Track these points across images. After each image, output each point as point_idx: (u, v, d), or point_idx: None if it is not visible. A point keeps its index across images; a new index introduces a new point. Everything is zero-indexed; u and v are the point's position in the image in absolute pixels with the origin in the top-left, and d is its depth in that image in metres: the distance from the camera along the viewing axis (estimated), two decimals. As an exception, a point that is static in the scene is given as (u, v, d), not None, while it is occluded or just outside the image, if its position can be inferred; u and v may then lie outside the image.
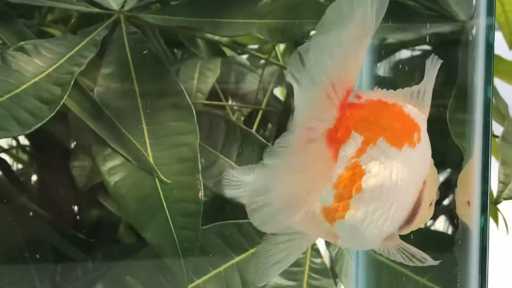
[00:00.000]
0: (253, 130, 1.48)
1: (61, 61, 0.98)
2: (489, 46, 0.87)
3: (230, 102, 1.58)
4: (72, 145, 1.39)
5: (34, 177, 1.45)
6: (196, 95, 1.40)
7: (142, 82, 1.00)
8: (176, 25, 1.09)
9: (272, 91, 1.53)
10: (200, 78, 1.42)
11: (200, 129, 0.97)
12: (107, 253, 1.25)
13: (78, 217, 1.41)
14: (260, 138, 1.04)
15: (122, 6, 1.09)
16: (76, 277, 1.16)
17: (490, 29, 0.87)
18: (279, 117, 1.40)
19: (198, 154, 0.93)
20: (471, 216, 0.82)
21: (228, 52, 1.59)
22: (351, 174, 0.53)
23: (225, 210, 1.11)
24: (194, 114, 0.96)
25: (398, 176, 0.53)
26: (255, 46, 1.60)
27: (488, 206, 0.81)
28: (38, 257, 1.21)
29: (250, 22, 1.01)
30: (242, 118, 1.53)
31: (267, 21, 1.01)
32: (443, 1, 1.10)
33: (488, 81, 0.87)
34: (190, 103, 0.96)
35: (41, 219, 1.31)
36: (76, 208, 1.41)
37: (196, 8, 1.06)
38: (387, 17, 0.53)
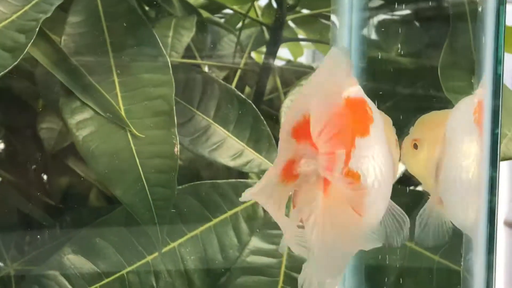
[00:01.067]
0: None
1: (26, 8, 0.91)
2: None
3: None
4: (40, 106, 1.32)
5: (-1, 140, 1.38)
6: (171, 54, 1.34)
7: (113, 31, 0.93)
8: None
9: (250, 52, 1.47)
10: (174, 37, 1.36)
11: (176, 83, 0.91)
12: (77, 218, 1.19)
13: (46, 182, 1.34)
14: (240, 94, 0.98)
15: None
16: (44, 242, 1.09)
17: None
18: (257, 79, 1.34)
19: (174, 107, 0.86)
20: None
21: (204, 14, 1.53)
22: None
23: (200, 171, 1.06)
24: (170, 66, 0.90)
25: (379, 157, 0.56)
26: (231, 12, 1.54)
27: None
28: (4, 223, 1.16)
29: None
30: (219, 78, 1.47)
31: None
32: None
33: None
34: (166, 53, 0.90)
35: (7, 184, 1.25)
36: (44, 172, 1.35)
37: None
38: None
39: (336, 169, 0.51)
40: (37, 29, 0.87)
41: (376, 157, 0.56)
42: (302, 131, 0.52)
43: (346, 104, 0.53)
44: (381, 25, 1.10)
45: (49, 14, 0.90)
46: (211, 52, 1.54)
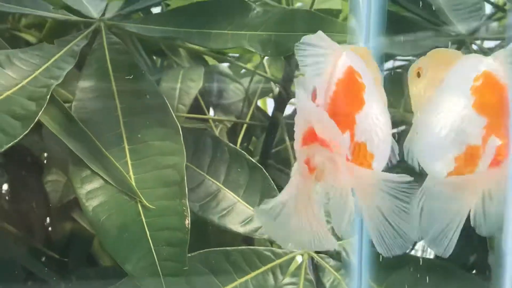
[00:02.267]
0: (238, 143, 1.43)
1: (36, 73, 0.91)
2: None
3: (212, 113, 1.52)
4: (46, 159, 1.31)
5: (4, 191, 1.37)
6: (178, 107, 1.33)
7: (124, 97, 0.93)
8: (161, 35, 1.01)
9: (256, 103, 1.46)
10: (182, 89, 1.36)
11: (186, 147, 0.90)
12: (82, 275, 1.18)
13: (51, 234, 1.33)
14: (250, 157, 0.97)
15: (103, 14, 1.02)
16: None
17: None
18: (265, 132, 1.33)
19: (185, 177, 0.85)
20: None
21: (211, 61, 1.53)
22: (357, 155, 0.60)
23: (210, 236, 1.05)
24: (181, 133, 0.89)
25: (378, 118, 0.61)
26: (237, 55, 1.54)
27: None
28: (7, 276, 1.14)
29: (241, 34, 0.94)
30: (226, 130, 1.46)
31: (259, 33, 0.94)
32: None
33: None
34: (176, 120, 0.89)
35: (11, 236, 1.24)
36: (49, 225, 1.34)
37: (183, 17, 0.99)
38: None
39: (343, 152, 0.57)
40: (48, 96, 0.86)
41: (375, 120, 0.61)
42: (309, 136, 0.57)
43: (337, 89, 0.60)
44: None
45: (60, 80, 0.90)
46: (217, 100, 1.54)
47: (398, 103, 1.21)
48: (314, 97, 0.60)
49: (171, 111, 0.90)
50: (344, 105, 0.60)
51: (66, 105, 1.09)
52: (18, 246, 1.25)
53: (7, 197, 1.35)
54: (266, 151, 1.29)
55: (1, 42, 0.95)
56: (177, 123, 0.89)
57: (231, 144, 0.98)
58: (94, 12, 1.02)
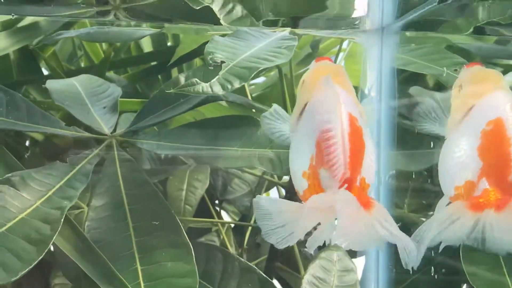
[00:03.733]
0: (245, 242, 1.43)
1: (50, 193, 0.92)
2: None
3: (218, 209, 1.53)
4: (54, 263, 1.31)
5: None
6: (185, 208, 1.34)
7: (136, 216, 0.94)
8: (171, 152, 1.03)
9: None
10: (188, 189, 1.37)
11: (196, 262, 0.90)
12: None
13: None
14: (261, 272, 0.98)
15: (114, 129, 1.05)
16: None
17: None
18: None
19: (198, 301, 0.86)
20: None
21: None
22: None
23: None
24: (193, 253, 0.90)
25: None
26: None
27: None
28: None
29: (250, 153, 0.96)
30: (232, 228, 1.47)
31: (268, 151, 0.96)
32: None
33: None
34: (189, 241, 0.90)
35: None
36: None
37: (192, 133, 1.01)
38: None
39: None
40: (62, 219, 0.87)
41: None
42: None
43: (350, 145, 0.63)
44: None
45: (73, 202, 0.91)
46: (223, 196, 1.55)
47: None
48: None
49: (183, 230, 0.91)
50: (357, 155, 0.64)
51: (76, 211, 1.12)
52: None
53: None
54: (274, 251, 1.30)
55: (16, 163, 0.96)
56: (189, 243, 0.90)
57: (242, 259, 0.99)
58: (105, 127, 1.04)
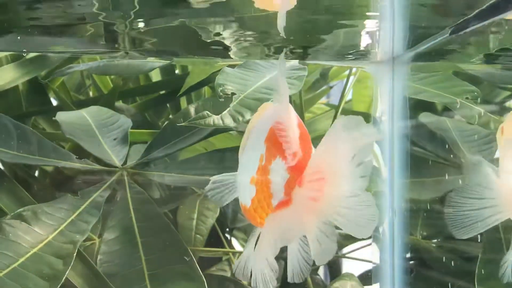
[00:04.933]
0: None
1: (62, 227, 0.92)
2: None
3: (229, 237, 1.52)
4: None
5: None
6: (196, 238, 1.33)
7: (149, 249, 0.93)
8: (182, 184, 1.03)
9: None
10: (199, 219, 1.36)
11: (209, 295, 0.90)
12: None
13: None
14: (273, 305, 0.97)
15: (125, 162, 1.04)
16: None
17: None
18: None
19: (212, 336, 0.85)
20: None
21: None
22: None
23: None
24: (206, 286, 0.89)
25: None
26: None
27: None
28: None
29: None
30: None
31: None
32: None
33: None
34: (201, 274, 0.89)
35: None
36: None
37: (202, 165, 1.01)
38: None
39: None
40: (75, 254, 0.87)
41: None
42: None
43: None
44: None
45: (85, 235, 0.91)
46: (233, 224, 1.55)
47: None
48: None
49: (196, 264, 0.91)
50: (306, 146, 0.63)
51: (87, 243, 1.11)
52: None
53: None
54: (287, 281, 1.29)
55: (27, 196, 0.96)
56: (202, 276, 0.90)
57: (254, 290, 0.98)
58: (116, 159, 1.04)
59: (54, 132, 1.24)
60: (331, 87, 1.68)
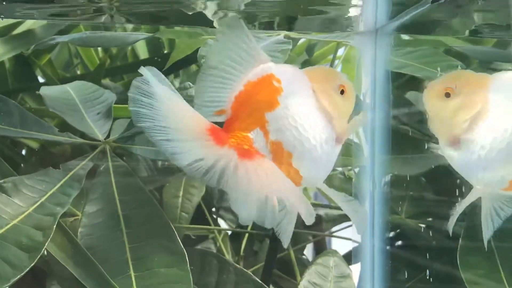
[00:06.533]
0: (241, 249, 1.42)
1: (43, 199, 0.91)
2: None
3: (215, 216, 1.52)
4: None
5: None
6: (181, 215, 1.33)
7: (130, 222, 0.93)
8: (166, 158, 1.02)
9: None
10: (184, 196, 1.36)
11: (191, 268, 0.89)
12: None
13: None
14: (256, 279, 0.96)
15: (108, 135, 1.04)
16: None
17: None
18: (269, 236, 1.33)
19: (192, 307, 0.85)
20: None
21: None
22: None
23: None
24: (187, 260, 0.89)
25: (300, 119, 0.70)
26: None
27: None
28: None
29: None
30: (229, 235, 1.46)
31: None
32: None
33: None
34: (183, 247, 0.89)
35: None
36: None
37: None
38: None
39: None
40: (55, 226, 0.86)
41: (291, 121, 0.66)
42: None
43: (245, 90, 0.66)
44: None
45: (66, 208, 0.90)
46: (220, 203, 1.54)
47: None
48: None
49: (177, 237, 0.90)
50: (250, 103, 0.66)
51: (71, 219, 1.10)
52: None
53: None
54: (271, 258, 1.29)
55: (10, 170, 0.95)
56: (183, 249, 0.89)
57: (237, 266, 0.98)
58: (99, 133, 1.03)
59: (39, 108, 1.23)
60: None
